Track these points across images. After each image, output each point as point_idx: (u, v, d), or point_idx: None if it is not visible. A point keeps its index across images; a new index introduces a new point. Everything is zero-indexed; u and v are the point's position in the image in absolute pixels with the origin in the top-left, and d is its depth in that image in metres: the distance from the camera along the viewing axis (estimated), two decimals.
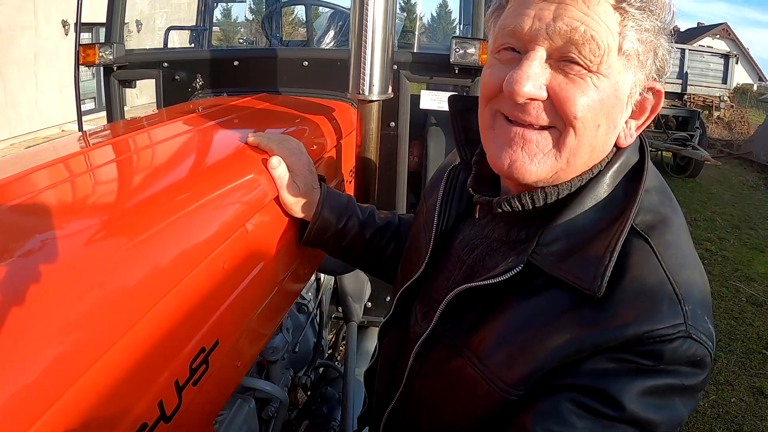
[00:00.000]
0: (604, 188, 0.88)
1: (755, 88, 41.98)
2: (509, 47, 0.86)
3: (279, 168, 1.33)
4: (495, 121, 0.90)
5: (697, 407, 0.76)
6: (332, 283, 2.45)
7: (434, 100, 2.38)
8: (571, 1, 0.79)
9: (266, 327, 1.37)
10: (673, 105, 12.17)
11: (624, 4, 0.80)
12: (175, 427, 0.92)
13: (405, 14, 4.27)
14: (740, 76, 49.34)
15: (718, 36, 51.21)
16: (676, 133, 11.55)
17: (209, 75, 2.47)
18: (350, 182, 1.98)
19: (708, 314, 0.82)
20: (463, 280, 0.97)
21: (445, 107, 2.04)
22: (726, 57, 11.89)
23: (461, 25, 4.78)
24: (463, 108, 1.13)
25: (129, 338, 0.81)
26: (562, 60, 0.82)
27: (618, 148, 0.92)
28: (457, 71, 2.30)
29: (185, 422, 0.95)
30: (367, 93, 1.66)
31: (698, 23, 56.18)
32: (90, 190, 1.15)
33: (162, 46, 4.51)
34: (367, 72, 1.63)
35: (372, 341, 2.72)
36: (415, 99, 2.44)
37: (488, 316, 0.91)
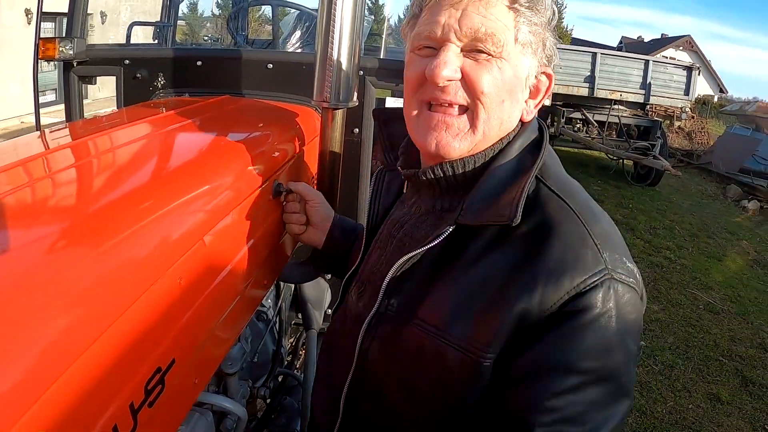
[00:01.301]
0: (512, 155, 1.04)
1: (716, 99, 43.17)
2: (426, 46, 1.02)
3: (310, 192, 1.55)
4: (420, 110, 1.04)
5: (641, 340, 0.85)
6: (292, 291, 2.42)
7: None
8: (471, 9, 0.96)
9: (224, 341, 1.34)
10: (635, 114, 12.42)
11: (516, 5, 0.97)
12: None
13: (372, 17, 4.19)
14: (702, 87, 50.60)
15: (681, 48, 52.50)
16: (637, 142, 11.79)
17: (171, 74, 2.41)
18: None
19: (626, 256, 0.95)
20: (394, 254, 1.10)
21: None
22: (689, 69, 12.15)
23: None
24: (386, 119, 1.31)
25: (81, 363, 0.77)
26: (471, 51, 0.98)
27: (522, 124, 1.08)
28: None
29: None
30: (331, 101, 1.62)
31: (662, 34, 57.49)
32: (36, 201, 1.08)
33: (125, 42, 4.37)
34: (333, 79, 1.60)
35: None
36: (381, 104, 2.43)
37: (431, 286, 1.00)
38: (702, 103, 37.23)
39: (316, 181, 1.80)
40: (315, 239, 1.58)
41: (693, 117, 19.68)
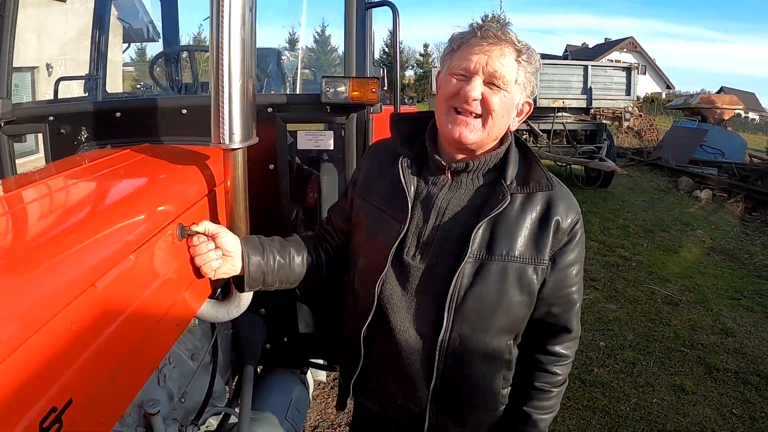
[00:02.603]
0: (514, 150, 1.63)
1: (664, 95, 44.25)
2: (461, 74, 1.50)
3: (212, 227, 1.68)
4: (449, 112, 1.53)
5: None
6: (229, 329, 2.40)
7: (311, 140, 2.38)
8: (494, 56, 1.47)
9: (131, 382, 1.36)
10: (581, 120, 12.68)
11: (519, 59, 1.50)
12: None
13: (298, 53, 4.29)
14: (649, 85, 52.06)
15: (625, 50, 53.95)
16: (584, 146, 12.06)
17: (93, 127, 2.42)
18: None
19: None
20: (457, 219, 1.57)
21: (322, 146, 2.30)
22: (628, 70, 12.49)
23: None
24: (398, 120, 1.76)
25: None
26: (489, 83, 1.49)
27: (508, 131, 1.63)
28: (329, 110, 2.30)
29: None
30: (227, 142, 1.66)
31: (605, 39, 59.10)
32: None
33: (53, 98, 4.37)
34: (226, 121, 1.63)
35: (279, 384, 2.70)
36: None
37: (497, 231, 1.53)
38: (650, 101, 38.17)
39: (226, 221, 1.84)
40: (234, 266, 1.71)
41: (641, 116, 20.12)
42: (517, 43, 1.50)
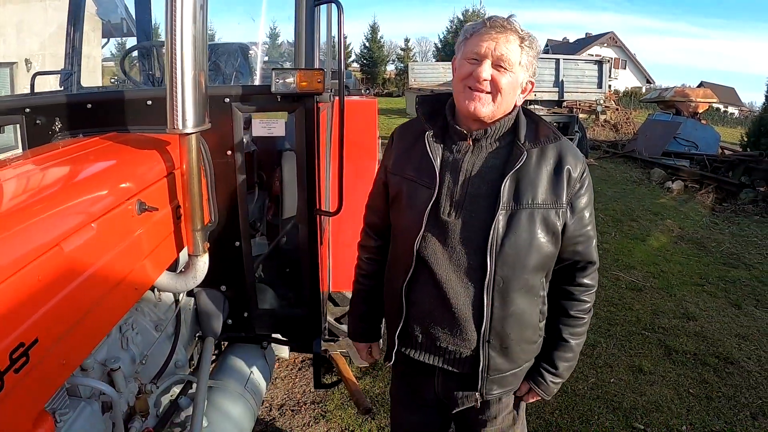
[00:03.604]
0: (522, 117, 1.86)
1: (644, 90, 44.54)
2: (473, 58, 1.74)
3: None
4: (464, 90, 1.76)
5: None
6: (192, 304, 2.65)
7: (264, 127, 2.52)
8: (501, 43, 1.70)
9: (91, 334, 1.60)
10: (554, 112, 12.84)
11: (522, 44, 1.73)
12: (2, 407, 1.19)
13: (262, 47, 4.46)
14: (629, 80, 52.44)
15: (605, 44, 54.26)
16: None
17: (66, 118, 2.55)
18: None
19: None
20: (484, 177, 1.80)
21: (275, 133, 2.49)
22: (599, 63, 12.67)
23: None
24: (421, 101, 1.99)
25: None
26: (496, 65, 1.72)
27: (515, 106, 1.85)
28: (279, 99, 2.45)
29: (12, 404, 1.23)
30: (180, 127, 1.90)
31: (586, 33, 59.41)
32: None
33: (29, 92, 4.47)
34: (179, 107, 1.87)
35: (240, 357, 2.90)
36: (248, 122, 2.59)
37: (520, 184, 1.76)
38: (631, 95, 38.48)
39: (183, 201, 2.09)
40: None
41: (618, 109, 20.35)
42: (520, 31, 1.74)
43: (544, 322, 1.97)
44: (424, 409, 2.15)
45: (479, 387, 1.91)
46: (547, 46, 53.28)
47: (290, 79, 2.38)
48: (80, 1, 3.95)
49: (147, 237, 1.92)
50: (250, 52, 4.48)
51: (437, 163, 1.85)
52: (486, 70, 1.72)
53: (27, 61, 13.99)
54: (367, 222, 2.20)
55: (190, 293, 2.66)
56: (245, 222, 2.62)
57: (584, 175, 1.84)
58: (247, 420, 2.63)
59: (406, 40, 58.73)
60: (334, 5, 2.58)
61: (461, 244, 1.81)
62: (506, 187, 1.76)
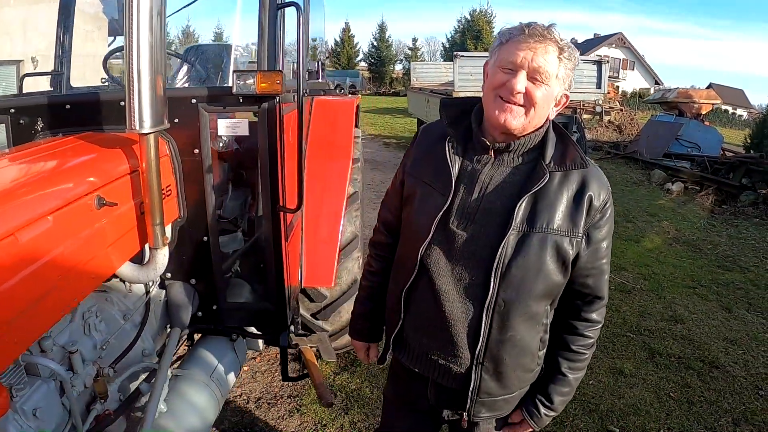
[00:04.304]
0: (552, 133, 1.77)
1: (652, 91, 44.32)
2: (508, 67, 1.64)
3: None
4: (496, 100, 1.68)
5: None
6: (163, 296, 2.77)
7: (229, 127, 2.60)
8: (539, 53, 1.60)
9: (45, 316, 1.71)
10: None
11: (561, 56, 1.63)
12: None
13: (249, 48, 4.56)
14: (637, 81, 52.16)
15: (614, 45, 54.00)
16: None
17: (47, 118, 2.67)
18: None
19: None
20: (501, 192, 1.73)
21: (239, 132, 2.57)
22: (598, 63, 12.60)
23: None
24: (447, 104, 1.93)
25: None
26: (532, 77, 1.63)
27: (547, 119, 1.77)
28: (241, 100, 2.52)
29: None
30: (137, 127, 2.00)
31: (594, 34, 59.19)
32: None
33: (17, 92, 4.56)
34: (136, 108, 1.98)
35: (208, 349, 2.99)
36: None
37: (537, 206, 1.67)
38: (638, 96, 38.31)
39: (143, 198, 2.21)
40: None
41: (621, 110, 20.26)
42: (560, 42, 1.64)
43: (545, 350, 1.90)
44: (416, 415, 2.10)
45: (467, 407, 1.86)
46: None
47: (250, 81, 2.45)
48: (70, 3, 4.05)
49: (107, 230, 2.01)
50: (235, 52, 4.52)
51: (455, 171, 1.78)
52: (521, 82, 1.63)
53: (33, 59, 14.10)
54: (380, 218, 2.16)
55: (162, 285, 2.77)
56: (213, 218, 2.69)
57: (607, 205, 1.74)
58: (210, 408, 2.70)
59: (414, 40, 58.71)
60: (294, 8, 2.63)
61: (466, 258, 1.74)
62: (522, 207, 1.68)
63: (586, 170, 1.72)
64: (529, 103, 1.65)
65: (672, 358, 4.78)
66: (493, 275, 1.69)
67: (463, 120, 1.87)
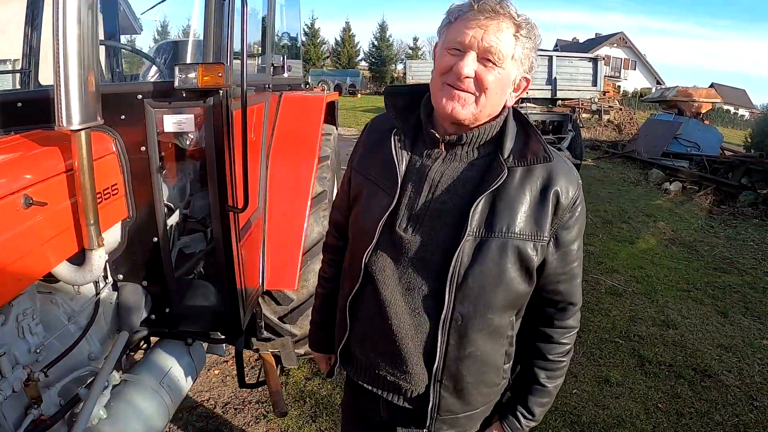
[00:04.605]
0: (512, 123, 1.57)
1: (653, 91, 44.29)
2: (455, 48, 1.44)
3: None
4: (443, 87, 1.48)
5: None
6: (114, 299, 2.68)
7: (175, 123, 2.51)
8: (490, 31, 1.40)
9: None
10: (549, 110, 12.58)
11: (518, 33, 1.42)
12: None
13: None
14: (639, 81, 52.12)
15: (615, 45, 53.97)
16: (547, 137, 11.99)
17: (1, 115, 2.64)
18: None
19: None
20: (453, 193, 1.53)
21: (185, 129, 2.53)
22: (594, 61, 12.45)
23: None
24: (392, 93, 1.73)
25: None
26: (483, 58, 1.42)
27: (505, 106, 1.56)
28: (184, 95, 2.44)
29: None
30: (65, 124, 1.92)
31: (596, 34, 59.14)
32: None
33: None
34: (63, 104, 1.90)
35: (161, 353, 2.91)
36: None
37: (496, 207, 1.48)
38: (638, 95, 38.23)
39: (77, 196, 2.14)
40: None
41: (621, 109, 20.13)
42: (516, 18, 1.43)
43: (510, 364, 1.73)
44: (373, 430, 1.91)
45: (427, 425, 1.67)
46: (556, 46, 52.99)
47: (192, 74, 2.37)
48: (38, 2, 4.00)
49: (40, 229, 1.96)
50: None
51: (401, 168, 1.59)
52: (469, 66, 1.42)
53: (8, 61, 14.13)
54: (331, 220, 1.99)
55: (114, 287, 2.68)
56: (162, 218, 2.62)
57: (576, 202, 1.54)
58: (157, 415, 2.61)
59: (415, 39, 58.77)
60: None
61: (416, 265, 1.55)
62: (478, 208, 1.48)
63: (551, 164, 1.51)
64: (479, 88, 1.45)
65: (662, 366, 4.57)
66: (447, 287, 1.51)
67: (413, 110, 1.67)
